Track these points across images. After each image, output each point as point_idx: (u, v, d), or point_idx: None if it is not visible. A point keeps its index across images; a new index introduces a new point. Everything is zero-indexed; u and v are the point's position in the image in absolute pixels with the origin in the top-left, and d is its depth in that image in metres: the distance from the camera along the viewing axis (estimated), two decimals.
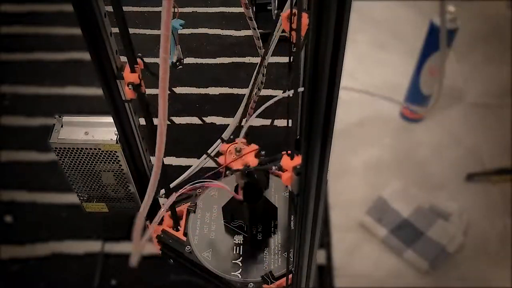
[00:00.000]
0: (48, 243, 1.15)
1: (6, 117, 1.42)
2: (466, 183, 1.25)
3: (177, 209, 1.04)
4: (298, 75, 0.72)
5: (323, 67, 0.43)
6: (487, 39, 1.60)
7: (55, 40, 1.64)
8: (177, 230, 1.05)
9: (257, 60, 0.94)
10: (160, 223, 1.05)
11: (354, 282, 1.09)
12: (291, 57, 0.88)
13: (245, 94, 1.01)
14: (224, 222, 1.05)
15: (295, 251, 0.69)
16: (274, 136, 0.91)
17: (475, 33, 1.56)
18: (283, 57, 0.86)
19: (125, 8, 0.69)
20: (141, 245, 0.79)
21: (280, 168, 0.60)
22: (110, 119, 0.82)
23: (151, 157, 0.97)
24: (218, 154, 1.01)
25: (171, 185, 1.04)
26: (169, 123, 0.56)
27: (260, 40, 0.90)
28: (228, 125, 1.05)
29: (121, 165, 0.89)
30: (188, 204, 1.07)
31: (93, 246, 1.14)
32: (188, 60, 1.54)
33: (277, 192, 1.08)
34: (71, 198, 1.18)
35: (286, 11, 0.79)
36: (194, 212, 1.06)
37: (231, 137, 0.90)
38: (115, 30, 0.72)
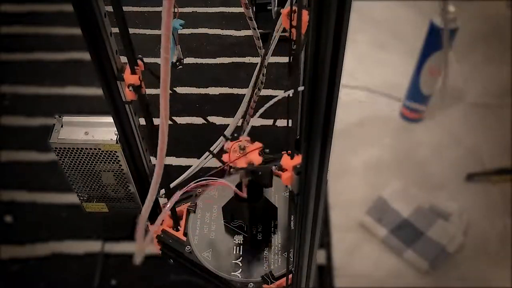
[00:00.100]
0: (48, 243, 1.15)
1: (6, 117, 1.42)
2: (466, 183, 1.25)
3: (177, 209, 1.04)
4: (298, 73, 0.72)
5: (323, 67, 0.43)
6: (487, 39, 1.60)
7: (55, 40, 1.64)
8: (177, 230, 1.04)
9: (257, 60, 0.94)
10: (160, 223, 1.05)
11: (354, 282, 1.09)
12: (291, 57, 0.88)
13: (245, 94, 1.01)
14: (224, 222, 1.05)
15: (295, 251, 0.69)
16: (274, 136, 0.91)
17: (475, 33, 1.56)
18: (283, 57, 0.86)
19: (125, 8, 0.69)
20: (144, 246, 0.79)
21: (280, 168, 0.60)
22: (110, 119, 0.82)
23: (151, 157, 0.97)
24: (219, 153, 1.02)
25: (171, 185, 1.04)
26: (170, 123, 0.57)
27: (260, 40, 0.90)
28: (228, 125, 1.05)
29: (121, 165, 0.89)
30: (188, 204, 1.07)
31: (93, 246, 1.14)
32: (188, 60, 1.54)
33: (277, 192, 1.08)
34: (71, 198, 1.18)
35: (286, 8, 0.79)
36: (194, 212, 1.06)
37: (235, 135, 0.90)
38: (115, 30, 0.72)
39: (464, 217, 1.17)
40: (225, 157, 0.85)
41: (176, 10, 0.72)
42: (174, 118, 1.26)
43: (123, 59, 0.76)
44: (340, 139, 1.28)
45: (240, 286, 0.96)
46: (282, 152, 0.60)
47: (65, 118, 0.87)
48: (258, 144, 0.84)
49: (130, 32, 0.73)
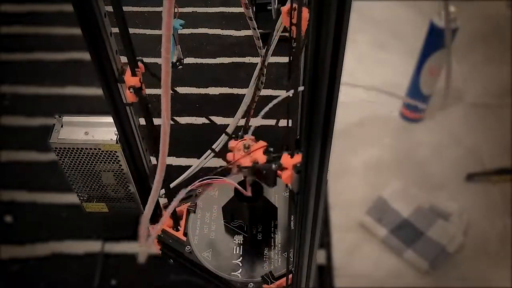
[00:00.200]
0: (48, 243, 1.15)
1: (6, 117, 1.42)
2: (466, 183, 1.25)
3: (177, 209, 1.04)
4: (298, 72, 0.72)
5: (323, 67, 0.43)
6: (487, 39, 1.60)
7: (55, 40, 1.64)
8: (177, 230, 1.05)
9: (257, 60, 0.94)
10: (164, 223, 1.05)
11: (354, 282, 1.09)
12: (291, 56, 0.88)
13: (245, 94, 1.01)
14: (224, 222, 1.05)
15: (295, 251, 0.69)
16: (274, 136, 0.91)
17: (475, 33, 1.56)
18: (283, 57, 0.86)
19: (125, 8, 0.69)
20: (148, 246, 0.79)
21: (280, 167, 0.59)
22: (110, 119, 0.82)
23: (151, 157, 0.97)
24: (221, 152, 1.02)
25: (171, 185, 1.04)
26: (172, 123, 0.57)
27: (260, 40, 0.90)
28: (228, 125, 1.05)
29: (121, 165, 0.89)
30: (188, 204, 1.07)
31: (93, 246, 1.14)
32: (188, 60, 1.54)
33: (277, 192, 1.08)
34: (71, 198, 1.18)
35: (286, 6, 0.79)
36: (194, 212, 1.06)
37: (240, 134, 0.90)
38: (115, 30, 0.72)
39: (464, 217, 1.17)
40: (229, 156, 0.85)
41: (176, 10, 0.72)
42: (174, 117, 1.26)
43: (123, 59, 0.76)
44: (340, 139, 1.28)
45: (240, 286, 0.96)
46: (284, 147, 0.60)
47: (65, 118, 0.87)
48: (262, 143, 0.84)
49: (130, 32, 0.73)
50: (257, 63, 0.95)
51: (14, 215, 1.21)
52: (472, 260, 1.11)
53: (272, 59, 0.94)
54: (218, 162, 1.26)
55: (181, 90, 1.47)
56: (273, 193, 1.08)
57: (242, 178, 0.93)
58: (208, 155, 1.07)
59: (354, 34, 1.58)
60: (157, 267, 1.09)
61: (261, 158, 0.80)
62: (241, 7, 0.79)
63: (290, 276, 0.83)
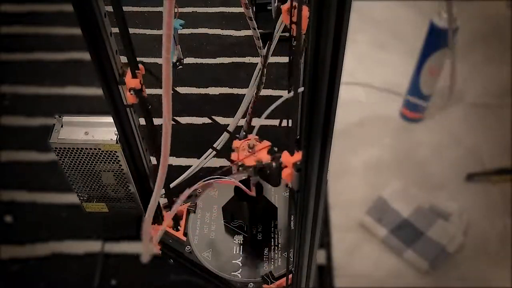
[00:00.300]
0: (48, 243, 1.15)
1: (6, 117, 1.42)
2: (466, 183, 1.25)
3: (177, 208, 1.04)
4: (298, 72, 0.72)
5: (323, 67, 0.43)
6: (487, 39, 1.60)
7: (55, 40, 1.64)
8: (177, 230, 1.05)
9: (257, 60, 0.94)
10: (160, 222, 1.05)
11: (354, 282, 1.09)
12: (291, 56, 0.88)
13: (245, 94, 1.01)
14: (224, 222, 1.05)
15: (295, 251, 0.69)
16: (274, 136, 0.91)
17: (475, 33, 1.56)
18: (283, 57, 0.86)
19: (125, 8, 0.69)
20: (151, 247, 0.79)
21: (280, 165, 0.59)
22: (110, 119, 0.82)
23: (151, 157, 0.97)
24: (222, 151, 1.02)
25: (171, 185, 1.04)
26: (173, 123, 0.57)
27: (260, 40, 0.90)
28: (228, 125, 1.05)
29: (121, 165, 0.89)
30: (188, 204, 1.07)
31: (93, 246, 1.14)
32: (188, 60, 1.54)
33: (277, 192, 1.08)
34: (71, 198, 1.18)
35: (286, 5, 0.79)
36: (194, 212, 1.06)
37: (244, 133, 0.90)
38: (115, 30, 0.72)
39: (464, 217, 1.17)
40: (233, 156, 0.85)
41: (176, 10, 0.72)
42: (175, 117, 1.26)
43: (123, 59, 0.76)
44: (340, 139, 1.28)
45: (240, 286, 0.96)
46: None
47: (65, 118, 0.87)
48: (266, 143, 0.84)
49: (130, 32, 0.73)
50: (257, 63, 0.95)
51: (14, 215, 1.21)
52: (472, 260, 1.11)
53: (272, 59, 0.94)
54: (219, 162, 1.26)
55: (181, 90, 1.47)
56: (273, 193, 1.08)
57: (243, 178, 0.93)
58: (209, 155, 1.07)
59: (354, 34, 1.58)
60: (157, 267, 1.09)
61: (266, 158, 0.80)
62: (241, 7, 0.79)
63: (290, 276, 0.83)
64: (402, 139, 1.37)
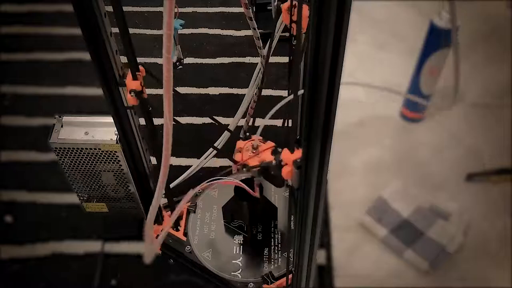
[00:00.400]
0: (48, 243, 1.15)
1: (6, 117, 1.42)
2: (466, 183, 1.25)
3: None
4: (298, 71, 0.72)
5: (323, 67, 0.43)
6: (487, 39, 1.60)
7: (55, 40, 1.64)
8: (177, 230, 1.05)
9: (257, 60, 0.94)
10: (160, 223, 1.05)
11: (354, 282, 1.09)
12: (291, 56, 0.88)
13: (245, 94, 1.01)
14: (224, 222, 1.05)
15: (295, 251, 0.69)
16: (274, 136, 0.91)
17: (475, 33, 1.56)
18: (283, 57, 0.86)
19: (125, 8, 0.69)
20: (154, 248, 0.79)
21: (280, 163, 0.59)
22: (110, 119, 0.82)
23: (151, 157, 0.97)
24: (223, 150, 1.01)
25: (171, 185, 1.04)
26: (174, 123, 0.56)
27: (260, 40, 0.90)
28: (229, 125, 1.05)
29: (121, 165, 0.89)
30: (188, 204, 1.07)
31: (93, 246, 1.14)
32: (188, 60, 1.54)
33: (277, 192, 1.08)
34: (71, 198, 1.18)
35: (286, 3, 0.79)
36: (194, 212, 1.06)
37: (247, 133, 0.90)
38: (115, 30, 0.72)
39: (464, 217, 1.17)
40: (237, 156, 0.85)
41: (176, 10, 0.72)
42: (175, 118, 1.26)
43: (123, 59, 0.76)
44: (340, 139, 1.28)
45: (240, 286, 0.96)
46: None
47: (65, 118, 0.87)
48: (270, 144, 0.84)
49: (130, 32, 0.73)
50: (257, 63, 0.95)
51: (14, 215, 1.21)
52: (472, 260, 1.11)
53: (272, 59, 0.94)
54: (219, 162, 1.26)
55: (181, 90, 1.47)
56: (273, 193, 1.08)
57: (244, 177, 0.93)
58: (209, 155, 1.07)
59: (354, 34, 1.58)
60: (157, 267, 1.09)
61: (269, 158, 0.80)
62: (241, 7, 0.79)
63: (290, 276, 0.83)
64: (402, 139, 1.37)
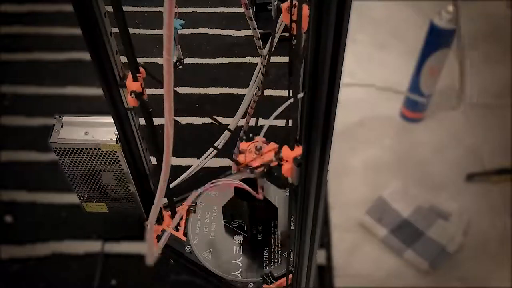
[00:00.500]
0: (48, 243, 1.15)
1: (6, 117, 1.42)
2: (466, 183, 1.25)
3: (177, 209, 1.04)
4: (298, 70, 0.72)
5: (323, 67, 0.43)
6: (487, 39, 1.60)
7: (55, 40, 1.64)
8: (177, 230, 1.04)
9: (257, 60, 0.94)
10: (160, 223, 1.05)
11: (354, 282, 1.09)
12: (291, 56, 0.88)
13: (245, 94, 1.01)
14: (224, 222, 1.05)
15: (295, 251, 0.69)
16: (273, 136, 0.91)
17: (475, 33, 1.56)
18: (283, 57, 0.86)
19: (125, 8, 0.69)
20: (156, 251, 0.78)
21: (280, 160, 0.58)
22: (110, 119, 0.82)
23: (151, 157, 0.97)
24: (224, 150, 1.01)
25: (171, 185, 1.04)
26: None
27: (260, 40, 0.90)
28: (229, 125, 1.05)
29: (121, 165, 0.89)
30: (189, 204, 1.07)
31: (93, 246, 1.14)
32: (188, 60, 1.54)
33: (277, 192, 1.08)
34: (71, 198, 1.18)
35: (286, 3, 0.79)
36: (194, 212, 1.06)
37: (250, 135, 0.90)
38: (115, 30, 0.72)
39: (464, 217, 1.17)
40: (240, 158, 0.85)
41: (176, 10, 0.72)
42: (175, 118, 1.26)
43: (123, 59, 0.76)
44: (340, 139, 1.28)
45: (240, 286, 0.96)
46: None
47: (65, 118, 0.87)
48: (274, 145, 0.84)
49: (130, 32, 0.73)
50: (257, 63, 0.95)
51: (14, 215, 1.21)
52: (472, 260, 1.11)
53: (272, 59, 0.94)
54: (219, 162, 1.26)
55: (181, 90, 1.47)
56: (273, 193, 1.08)
57: (244, 177, 0.93)
58: (209, 155, 1.07)
59: (354, 34, 1.58)
60: (157, 267, 1.09)
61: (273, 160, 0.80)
62: (241, 7, 0.79)
63: (290, 276, 0.83)
64: (402, 139, 1.37)
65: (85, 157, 0.88)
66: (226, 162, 1.25)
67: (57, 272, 1.11)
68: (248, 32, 1.60)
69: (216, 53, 1.59)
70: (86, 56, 0.70)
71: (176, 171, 1.13)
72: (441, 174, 1.28)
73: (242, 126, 1.08)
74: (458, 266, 1.10)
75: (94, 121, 0.87)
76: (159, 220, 1.04)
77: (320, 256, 1.11)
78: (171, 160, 0.58)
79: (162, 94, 0.50)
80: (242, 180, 0.91)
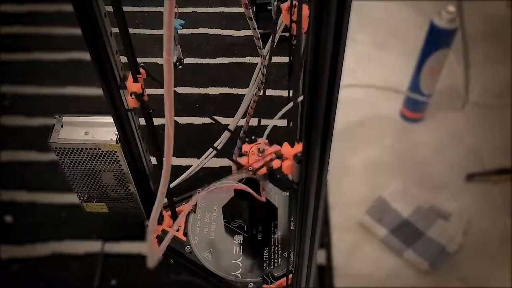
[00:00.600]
0: (48, 243, 1.15)
1: (6, 117, 1.42)
2: (466, 183, 1.25)
3: (177, 209, 1.04)
4: (298, 70, 0.72)
5: (323, 67, 0.43)
6: (487, 39, 1.60)
7: (55, 40, 1.64)
8: (177, 230, 1.04)
9: (257, 60, 0.94)
10: (160, 223, 1.05)
11: (354, 282, 1.09)
12: (291, 56, 0.88)
13: (245, 94, 1.01)
14: (224, 222, 1.05)
15: (295, 251, 0.69)
16: (275, 136, 0.91)
17: (475, 33, 1.56)
18: (283, 57, 0.86)
19: (125, 8, 0.69)
20: (158, 251, 0.78)
21: (280, 158, 0.58)
22: (110, 119, 0.82)
23: (151, 157, 0.97)
24: (224, 150, 1.01)
25: (171, 185, 1.04)
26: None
27: (260, 40, 0.90)
28: (229, 125, 1.05)
29: (121, 165, 0.89)
30: (189, 204, 1.07)
31: (93, 246, 1.14)
32: (188, 60, 1.54)
33: (277, 192, 1.08)
34: (71, 198, 1.18)
35: (286, 3, 0.79)
36: (194, 212, 1.06)
37: (253, 137, 0.90)
38: (115, 30, 0.72)
39: (464, 217, 1.17)
40: (243, 160, 0.85)
41: (176, 10, 0.72)
42: (175, 118, 1.26)
43: (123, 59, 0.76)
44: (340, 139, 1.28)
45: (240, 286, 0.96)
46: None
47: (65, 118, 0.87)
48: (276, 147, 0.84)
49: (130, 32, 0.73)
50: (257, 63, 0.95)
51: (14, 215, 1.21)
52: (472, 260, 1.11)
53: (272, 59, 0.94)
54: (219, 162, 1.26)
55: (181, 90, 1.47)
56: (273, 193, 1.08)
57: (243, 178, 0.93)
58: (209, 155, 1.07)
59: (354, 34, 1.58)
60: (157, 267, 1.09)
61: (276, 163, 0.79)
62: (241, 7, 0.79)
63: (290, 276, 0.83)
64: (402, 139, 1.37)
65: (85, 157, 0.88)
66: (226, 162, 1.25)
67: (57, 272, 1.11)
68: (248, 32, 1.60)
69: (216, 53, 1.59)
70: (86, 56, 0.70)
71: (176, 171, 1.13)
72: (441, 174, 1.28)
73: (242, 126, 1.08)
74: (458, 266, 1.10)
75: (94, 121, 0.87)
76: (160, 220, 1.04)
77: (320, 256, 1.11)
78: (171, 161, 0.58)
79: (163, 94, 0.50)
80: (244, 181, 0.91)
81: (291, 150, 0.56)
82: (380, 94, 1.42)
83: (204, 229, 1.04)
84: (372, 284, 1.09)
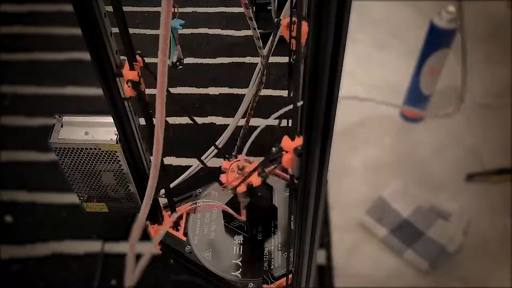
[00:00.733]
0: (48, 243, 1.15)
1: (6, 117, 1.42)
2: (466, 183, 1.25)
3: (177, 209, 1.04)
4: (298, 74, 0.72)
5: (323, 67, 0.43)
6: (487, 39, 1.60)
7: (55, 40, 1.64)
8: (177, 230, 1.05)
9: (257, 60, 0.94)
10: (160, 223, 1.05)
11: (354, 282, 1.09)
12: (292, 59, 0.88)
13: (245, 94, 1.01)
14: (224, 222, 1.05)
15: (295, 251, 0.69)
16: (276, 136, 0.91)
17: (475, 33, 1.56)
18: (283, 57, 0.86)
19: (125, 8, 0.69)
20: (136, 274, 0.77)
21: (280, 151, 0.57)
22: (110, 119, 0.82)
23: (151, 157, 0.97)
24: (223, 150, 1.01)
25: (171, 185, 1.04)
26: (173, 123, 0.56)
27: (260, 40, 0.90)
28: (228, 125, 1.05)
29: (121, 165, 0.89)
30: (189, 204, 1.07)
31: (93, 246, 1.14)
32: (188, 60, 1.54)
33: (277, 192, 1.08)
34: (71, 198, 1.18)
35: (285, 19, 0.79)
36: (194, 212, 1.06)
37: (233, 154, 0.89)
38: (115, 30, 0.72)
39: (464, 217, 1.17)
40: (222, 178, 0.84)
41: (176, 10, 0.72)
42: (174, 118, 1.26)
43: (123, 58, 0.76)
44: (340, 139, 1.28)
45: (240, 286, 0.96)
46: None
47: (65, 118, 0.87)
48: (256, 163, 0.82)
49: (130, 32, 0.73)
50: (257, 63, 0.95)
51: (14, 215, 1.21)
52: (472, 260, 1.11)
53: (272, 59, 0.94)
54: (219, 162, 1.26)
55: (181, 90, 1.47)
56: (273, 193, 1.08)
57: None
58: (209, 155, 1.07)
59: (354, 34, 1.58)
60: (157, 267, 1.09)
61: (256, 181, 0.78)
62: (241, 7, 0.79)
63: (290, 276, 0.83)
64: (402, 139, 1.37)
65: (85, 157, 0.88)
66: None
67: (57, 272, 1.11)
68: (248, 32, 1.60)
69: (216, 53, 1.59)
70: (86, 56, 0.70)
71: (176, 171, 1.13)
72: (441, 174, 1.28)
73: (242, 126, 1.09)
74: (458, 266, 1.10)
75: (94, 121, 0.87)
76: (160, 220, 1.05)
77: (320, 256, 1.11)
78: (160, 162, 0.57)
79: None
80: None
81: (291, 144, 0.55)
82: (380, 94, 1.42)
83: (204, 229, 1.04)
84: (372, 284, 1.09)
